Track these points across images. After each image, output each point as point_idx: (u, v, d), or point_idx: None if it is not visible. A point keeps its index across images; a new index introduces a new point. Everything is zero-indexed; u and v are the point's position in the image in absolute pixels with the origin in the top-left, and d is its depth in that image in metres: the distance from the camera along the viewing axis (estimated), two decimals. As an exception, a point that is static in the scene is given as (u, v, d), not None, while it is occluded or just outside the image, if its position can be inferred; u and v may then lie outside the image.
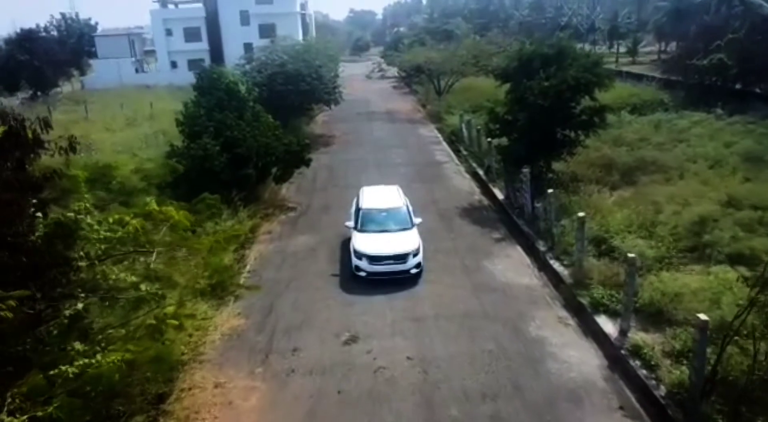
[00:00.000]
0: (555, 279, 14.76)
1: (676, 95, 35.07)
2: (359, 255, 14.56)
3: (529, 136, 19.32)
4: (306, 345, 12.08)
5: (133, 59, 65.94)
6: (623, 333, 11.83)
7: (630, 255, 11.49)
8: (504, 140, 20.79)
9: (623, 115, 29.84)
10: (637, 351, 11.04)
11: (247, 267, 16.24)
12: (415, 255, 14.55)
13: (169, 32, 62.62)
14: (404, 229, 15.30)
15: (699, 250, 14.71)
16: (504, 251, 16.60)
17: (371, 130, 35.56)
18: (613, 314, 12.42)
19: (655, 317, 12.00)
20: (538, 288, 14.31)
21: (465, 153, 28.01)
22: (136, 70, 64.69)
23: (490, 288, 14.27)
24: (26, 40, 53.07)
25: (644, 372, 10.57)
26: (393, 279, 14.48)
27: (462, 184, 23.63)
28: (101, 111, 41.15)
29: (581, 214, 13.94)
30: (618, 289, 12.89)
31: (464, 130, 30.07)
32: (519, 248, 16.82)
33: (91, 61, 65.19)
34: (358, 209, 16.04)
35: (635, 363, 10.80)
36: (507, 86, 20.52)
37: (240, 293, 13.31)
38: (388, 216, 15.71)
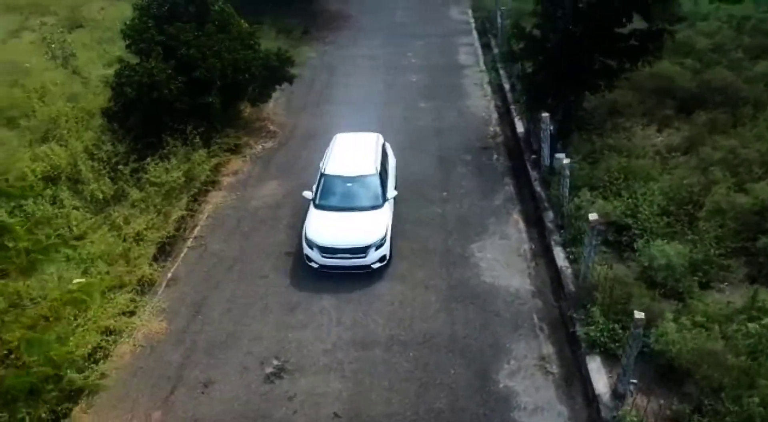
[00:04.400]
0: (554, 282, 11.85)
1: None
2: (310, 244, 11.85)
3: (557, 63, 15.08)
4: (223, 376, 10.00)
5: None
6: (618, 396, 9.20)
7: (637, 314, 8.42)
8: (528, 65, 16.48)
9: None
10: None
11: (196, 231, 13.86)
12: (378, 247, 11.71)
13: None
14: (372, 208, 12.26)
15: (752, 257, 11.40)
16: (501, 226, 13.50)
17: (393, 9, 30.28)
18: (612, 359, 9.70)
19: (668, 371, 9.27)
20: (528, 298, 11.46)
21: (496, 52, 23.40)
22: None
23: (468, 295, 11.54)
24: None
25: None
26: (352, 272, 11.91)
27: (479, 105, 19.60)
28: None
29: (593, 216, 10.56)
30: (627, 319, 10.01)
31: (499, 19, 24.98)
32: (521, 222, 13.66)
33: None
34: (321, 174, 12.95)
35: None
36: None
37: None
38: (354, 188, 12.59)
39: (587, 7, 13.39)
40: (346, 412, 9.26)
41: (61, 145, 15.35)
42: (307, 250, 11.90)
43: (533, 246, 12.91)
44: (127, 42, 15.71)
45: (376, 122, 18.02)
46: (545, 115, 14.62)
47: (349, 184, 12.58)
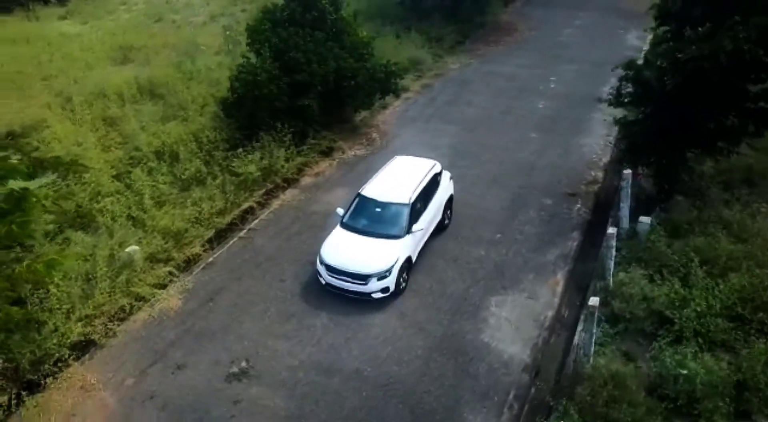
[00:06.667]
0: (562, 357, 10.60)
1: None
2: (321, 260, 12.08)
3: (660, 116, 13.19)
4: (195, 364, 10.78)
5: None
6: None
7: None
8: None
9: None
10: None
11: (254, 223, 14.89)
12: (382, 278, 11.50)
13: None
14: (389, 237, 12.02)
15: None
16: (536, 285, 12.33)
17: (566, 26, 28.65)
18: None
19: None
20: (516, 370, 10.41)
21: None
22: None
23: (456, 349, 10.83)
24: None
25: None
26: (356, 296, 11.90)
27: (594, 145, 17.86)
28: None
29: (593, 301, 9.23)
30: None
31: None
32: (561, 284, 12.35)
33: None
34: (357, 194, 13.04)
35: None
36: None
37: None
38: (381, 214, 12.43)
39: (689, 60, 11.44)
40: (275, 434, 9.46)
41: (182, 125, 17.55)
42: (318, 265, 12.17)
43: (563, 315, 11.65)
44: (248, 41, 17.27)
45: (475, 147, 17.65)
46: (627, 171, 12.94)
47: (378, 209, 12.51)
